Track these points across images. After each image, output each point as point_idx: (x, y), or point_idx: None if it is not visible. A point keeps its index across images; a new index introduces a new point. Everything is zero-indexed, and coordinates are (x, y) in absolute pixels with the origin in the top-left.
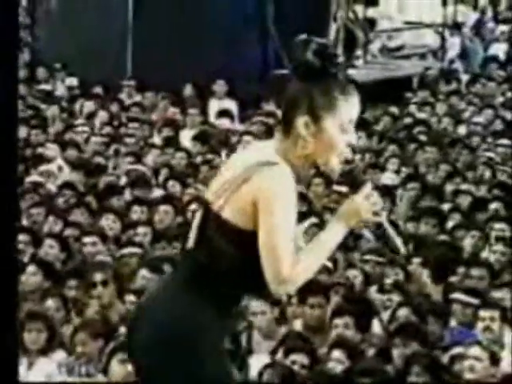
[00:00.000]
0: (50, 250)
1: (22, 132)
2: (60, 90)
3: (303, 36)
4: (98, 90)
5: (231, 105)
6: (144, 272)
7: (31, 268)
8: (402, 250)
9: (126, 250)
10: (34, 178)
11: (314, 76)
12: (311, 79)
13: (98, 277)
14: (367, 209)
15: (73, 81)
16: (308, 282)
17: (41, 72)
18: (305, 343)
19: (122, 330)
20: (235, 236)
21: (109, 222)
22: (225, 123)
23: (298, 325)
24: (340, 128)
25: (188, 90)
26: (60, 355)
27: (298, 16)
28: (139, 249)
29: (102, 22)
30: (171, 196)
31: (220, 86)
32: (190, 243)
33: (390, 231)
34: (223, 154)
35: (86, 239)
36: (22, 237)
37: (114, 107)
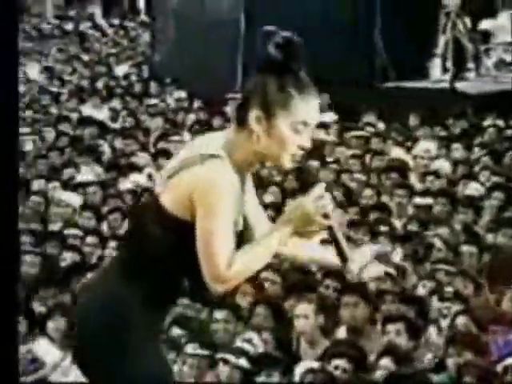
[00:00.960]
0: (114, 252)
1: (120, 142)
2: (170, 103)
3: (268, 27)
4: (200, 103)
5: (331, 117)
6: None
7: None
8: (349, 256)
9: None
10: (122, 185)
11: (273, 70)
12: (270, 73)
13: None
14: (317, 211)
15: (181, 93)
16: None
17: (153, 87)
18: (350, 348)
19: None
20: (169, 222)
21: None
22: (319, 134)
23: (342, 332)
24: (293, 127)
25: None
26: None
27: (405, 28)
28: None
29: (214, 37)
30: None
31: (322, 98)
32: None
33: (339, 236)
34: (315, 164)
35: None
36: (91, 239)
37: (218, 119)
